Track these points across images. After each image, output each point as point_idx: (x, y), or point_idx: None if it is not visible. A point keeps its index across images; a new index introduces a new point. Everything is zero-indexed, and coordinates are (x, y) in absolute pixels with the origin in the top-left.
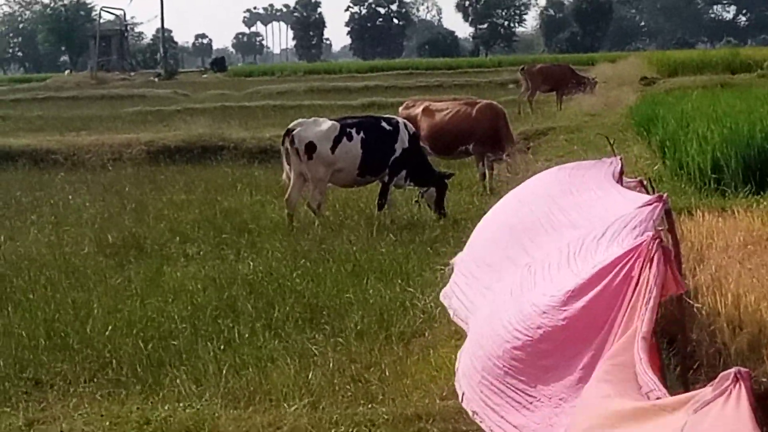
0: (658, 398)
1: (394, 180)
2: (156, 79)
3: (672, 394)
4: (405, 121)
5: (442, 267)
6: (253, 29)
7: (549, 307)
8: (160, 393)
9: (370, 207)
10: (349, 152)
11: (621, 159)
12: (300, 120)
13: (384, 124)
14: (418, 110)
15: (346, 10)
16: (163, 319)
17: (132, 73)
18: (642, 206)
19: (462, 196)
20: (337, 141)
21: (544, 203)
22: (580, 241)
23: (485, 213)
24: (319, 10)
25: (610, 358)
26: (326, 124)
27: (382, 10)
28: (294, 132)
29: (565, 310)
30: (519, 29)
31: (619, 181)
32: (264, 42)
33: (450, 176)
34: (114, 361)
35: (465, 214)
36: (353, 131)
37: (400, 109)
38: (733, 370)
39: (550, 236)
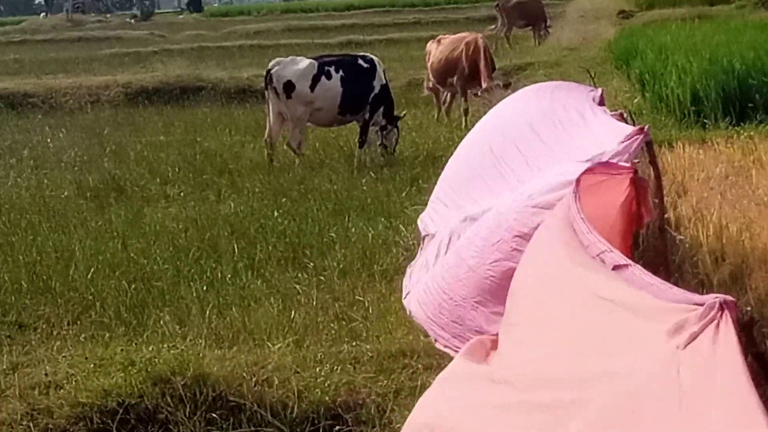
0: (619, 264)
1: (374, 117)
2: (132, 21)
3: None
4: (378, 58)
5: (424, 204)
6: None
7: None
8: (144, 334)
9: (350, 145)
10: (328, 91)
11: (602, 91)
12: (278, 59)
13: (361, 61)
14: (434, 43)
15: None
16: (146, 260)
17: (108, 15)
18: (624, 140)
19: (442, 131)
20: (315, 80)
21: (524, 133)
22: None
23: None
24: None
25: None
26: (304, 62)
27: None
28: (272, 71)
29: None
30: None
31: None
32: None
33: (403, 116)
34: (97, 303)
35: (444, 151)
36: (332, 70)
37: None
38: (718, 298)
39: (531, 171)
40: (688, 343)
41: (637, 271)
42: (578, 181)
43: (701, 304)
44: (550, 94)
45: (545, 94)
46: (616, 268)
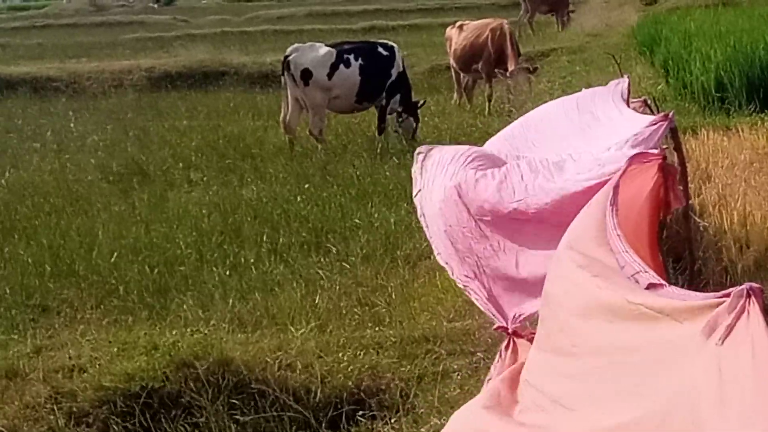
0: (652, 284)
1: (390, 104)
2: (155, 5)
3: None
4: (397, 45)
5: None
6: None
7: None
8: (167, 318)
9: (373, 131)
10: (346, 80)
11: (628, 77)
12: (296, 45)
13: (381, 49)
14: (455, 29)
15: None
16: (169, 245)
17: (130, 0)
18: (648, 125)
19: (465, 117)
20: (333, 68)
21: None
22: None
23: (489, 136)
24: None
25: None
26: (323, 50)
27: None
28: (290, 58)
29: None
30: None
31: (627, 101)
32: None
33: (423, 104)
34: (120, 287)
35: (468, 137)
36: (351, 58)
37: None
38: (744, 286)
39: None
40: (725, 337)
41: (672, 290)
42: (616, 189)
43: (729, 295)
44: (577, 107)
45: (572, 108)
46: (650, 287)
